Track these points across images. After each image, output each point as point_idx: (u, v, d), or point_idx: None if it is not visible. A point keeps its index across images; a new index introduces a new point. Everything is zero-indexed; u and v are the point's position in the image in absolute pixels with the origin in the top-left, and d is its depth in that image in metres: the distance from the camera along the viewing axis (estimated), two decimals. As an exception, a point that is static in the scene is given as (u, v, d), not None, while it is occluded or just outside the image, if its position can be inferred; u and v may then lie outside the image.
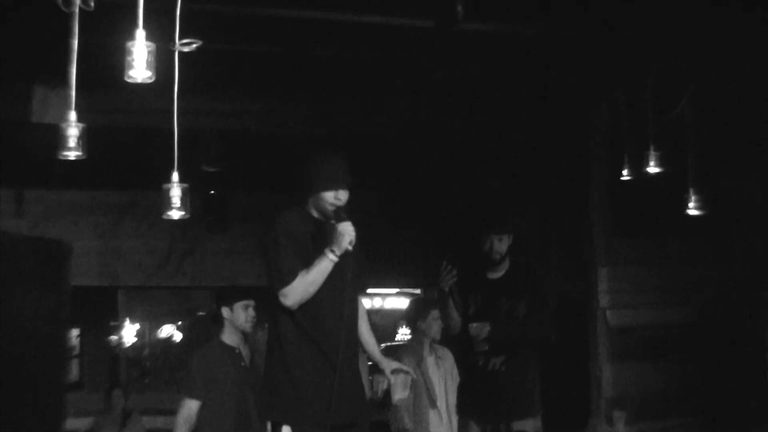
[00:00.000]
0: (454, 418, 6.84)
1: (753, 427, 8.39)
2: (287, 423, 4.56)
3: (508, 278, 6.16)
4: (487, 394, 6.03)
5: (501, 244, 6.11)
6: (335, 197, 4.70)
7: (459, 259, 6.15)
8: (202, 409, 5.87)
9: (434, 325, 7.30)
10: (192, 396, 5.87)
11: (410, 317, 7.66)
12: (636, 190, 7.91)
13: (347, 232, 4.59)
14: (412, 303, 8.31)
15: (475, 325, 6.03)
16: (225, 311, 6.05)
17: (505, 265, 6.19)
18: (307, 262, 4.59)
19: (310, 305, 4.60)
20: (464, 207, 10.42)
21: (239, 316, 6.02)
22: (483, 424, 6.09)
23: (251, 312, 6.06)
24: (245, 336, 6.18)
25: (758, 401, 8.57)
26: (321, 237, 4.68)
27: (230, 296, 6.13)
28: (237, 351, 6.06)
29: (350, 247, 4.60)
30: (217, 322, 6.13)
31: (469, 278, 6.15)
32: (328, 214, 4.72)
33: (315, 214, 4.79)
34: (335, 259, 4.59)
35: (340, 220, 4.63)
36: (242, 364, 6.06)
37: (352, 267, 4.65)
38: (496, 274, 6.20)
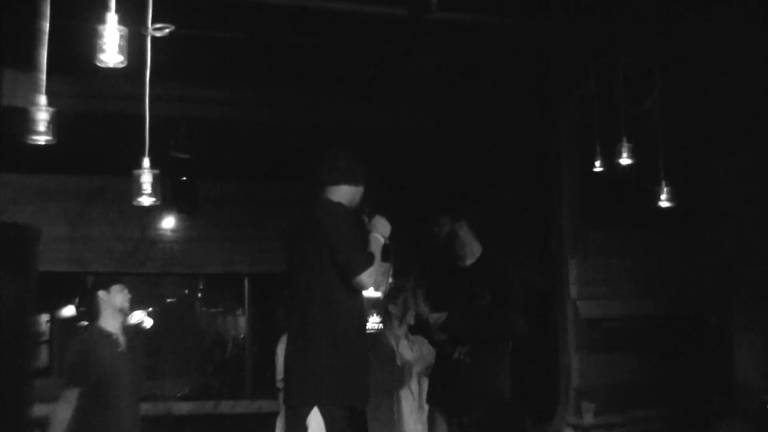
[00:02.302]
0: (425, 407, 6.79)
1: (715, 421, 8.45)
2: (333, 403, 4.77)
3: (475, 268, 6.04)
4: (450, 384, 5.90)
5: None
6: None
7: (433, 249, 6.12)
8: (81, 395, 6.04)
9: (407, 310, 7.37)
10: (71, 384, 6.06)
11: (382, 302, 7.73)
12: (605, 182, 7.94)
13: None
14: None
15: (434, 315, 5.98)
16: (102, 294, 6.27)
17: (476, 255, 6.12)
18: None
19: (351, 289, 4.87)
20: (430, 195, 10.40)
21: (116, 297, 6.27)
22: (447, 416, 5.98)
23: (126, 293, 6.34)
24: (125, 319, 6.44)
25: (721, 396, 8.63)
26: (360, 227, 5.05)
27: (106, 280, 6.43)
28: (114, 337, 6.23)
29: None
30: (94, 308, 6.32)
31: (442, 267, 6.11)
32: (355, 206, 5.10)
33: (347, 205, 5.05)
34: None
35: (374, 212, 5.13)
36: (119, 350, 6.21)
37: None
38: (466, 263, 6.10)
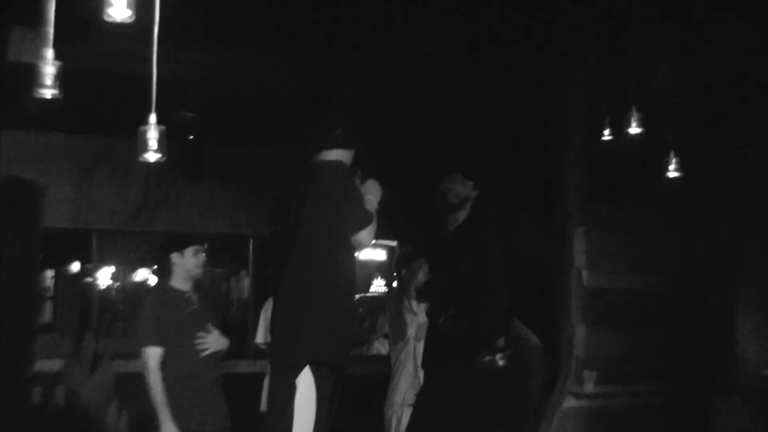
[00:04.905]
0: (421, 373, 6.74)
1: (718, 397, 8.47)
2: (324, 360, 4.71)
3: (459, 233, 5.94)
4: (437, 351, 5.85)
5: (461, 187, 5.94)
6: None
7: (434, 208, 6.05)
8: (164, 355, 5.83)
9: (419, 274, 7.41)
10: (153, 343, 5.79)
11: (396, 266, 7.79)
12: (613, 156, 7.92)
13: None
14: (398, 252, 8.48)
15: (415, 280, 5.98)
16: (175, 257, 5.98)
17: (461, 218, 5.99)
18: None
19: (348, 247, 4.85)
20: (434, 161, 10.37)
21: (189, 260, 5.99)
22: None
23: (202, 256, 6.04)
24: (196, 281, 6.12)
25: (724, 373, 8.64)
26: None
27: (181, 242, 6.09)
28: (186, 295, 5.99)
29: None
30: (165, 269, 6.08)
31: (432, 230, 6.08)
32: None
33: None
34: None
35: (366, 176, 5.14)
36: (192, 308, 6.00)
37: None
38: (452, 226, 5.98)
